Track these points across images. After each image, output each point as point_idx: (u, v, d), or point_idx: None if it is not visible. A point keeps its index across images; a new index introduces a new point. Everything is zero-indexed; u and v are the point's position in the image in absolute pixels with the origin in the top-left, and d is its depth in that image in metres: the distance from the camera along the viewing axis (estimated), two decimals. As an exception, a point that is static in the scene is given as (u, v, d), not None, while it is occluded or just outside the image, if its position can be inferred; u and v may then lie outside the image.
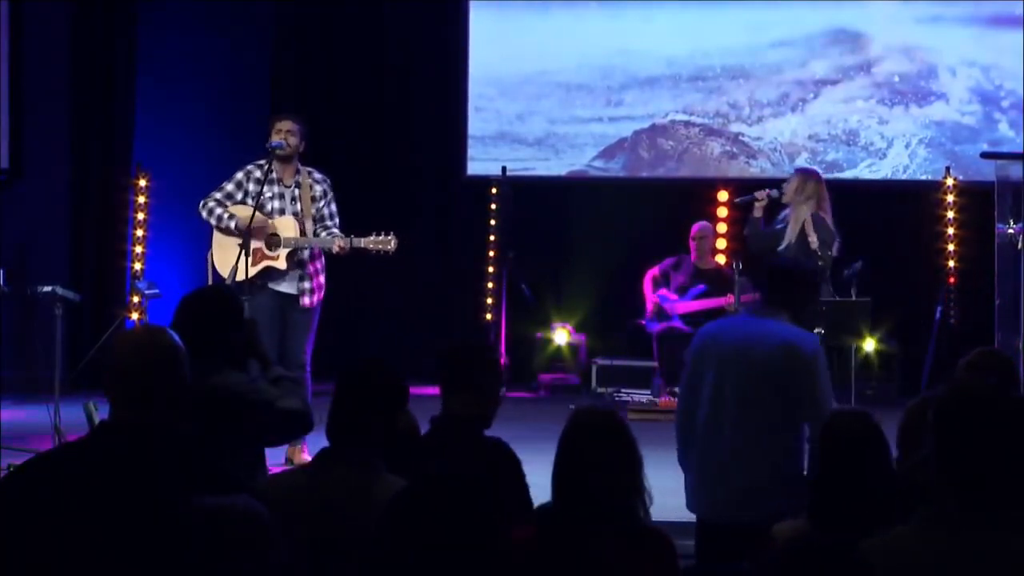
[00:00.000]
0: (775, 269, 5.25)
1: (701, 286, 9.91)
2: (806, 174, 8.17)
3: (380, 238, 7.40)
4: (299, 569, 2.95)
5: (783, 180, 8.34)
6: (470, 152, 11.54)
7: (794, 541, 2.93)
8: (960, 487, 2.77)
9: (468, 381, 4.28)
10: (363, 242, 7.38)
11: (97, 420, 5.93)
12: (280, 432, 4.59)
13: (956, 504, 2.77)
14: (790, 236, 7.92)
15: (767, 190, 8.20)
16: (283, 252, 7.34)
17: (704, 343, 5.01)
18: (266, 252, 7.35)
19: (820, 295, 5.44)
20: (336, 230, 7.48)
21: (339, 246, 7.32)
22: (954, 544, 2.73)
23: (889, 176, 11.06)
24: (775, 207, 8.19)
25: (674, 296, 9.95)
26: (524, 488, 4.15)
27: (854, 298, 8.21)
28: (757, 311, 5.03)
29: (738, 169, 11.34)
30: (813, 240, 7.75)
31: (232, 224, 7.31)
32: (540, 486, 3.72)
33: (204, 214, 7.46)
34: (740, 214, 10.96)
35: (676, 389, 9.36)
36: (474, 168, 11.50)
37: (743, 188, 11.12)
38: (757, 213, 8.18)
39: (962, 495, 2.77)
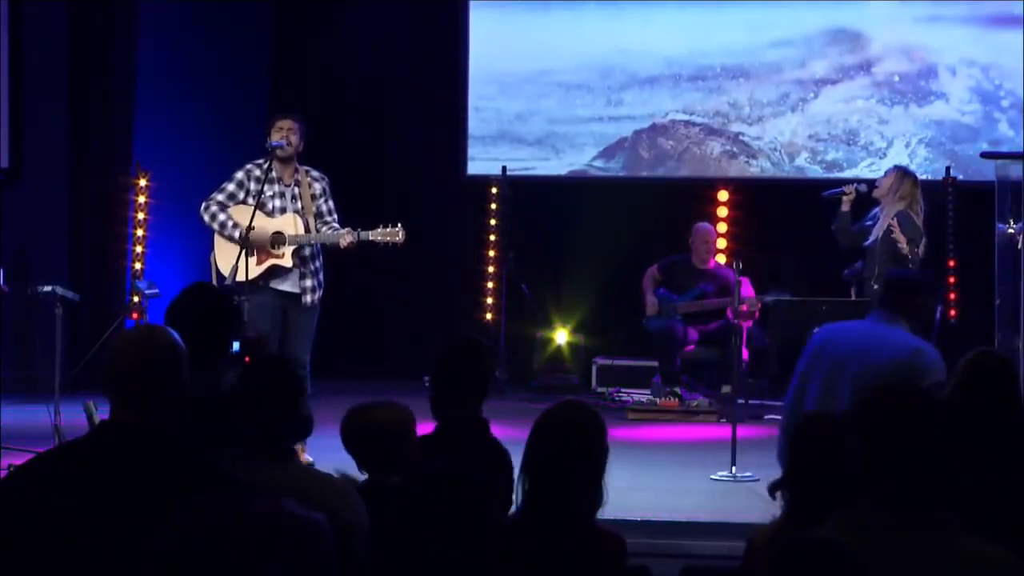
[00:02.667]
0: (888, 280, 5.57)
1: (701, 286, 9.91)
2: (904, 173, 8.15)
3: (388, 230, 7.38)
4: None
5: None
6: (470, 152, 11.54)
7: (784, 541, 2.93)
8: (877, 488, 2.77)
9: (470, 380, 4.30)
10: (371, 235, 7.37)
11: (97, 420, 5.93)
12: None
13: (870, 505, 2.77)
14: (877, 233, 7.91)
15: (855, 184, 8.23)
16: (288, 250, 7.34)
17: (819, 346, 5.15)
18: (271, 250, 7.35)
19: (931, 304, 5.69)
20: (337, 225, 7.47)
21: (348, 240, 7.31)
22: (867, 546, 2.71)
23: (889, 176, 11.05)
24: (862, 202, 8.19)
25: (675, 296, 9.95)
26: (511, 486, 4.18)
27: (854, 298, 8.21)
28: (879, 319, 5.18)
29: (738, 169, 11.34)
30: (902, 242, 7.75)
31: (235, 233, 7.28)
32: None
33: (207, 218, 7.42)
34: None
35: (677, 389, 9.44)
36: (474, 168, 11.50)
37: (743, 188, 11.16)
38: (845, 207, 8.19)
39: (877, 496, 2.77)
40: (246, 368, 3.80)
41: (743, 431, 7.29)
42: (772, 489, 3.55)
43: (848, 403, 4.96)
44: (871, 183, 8.25)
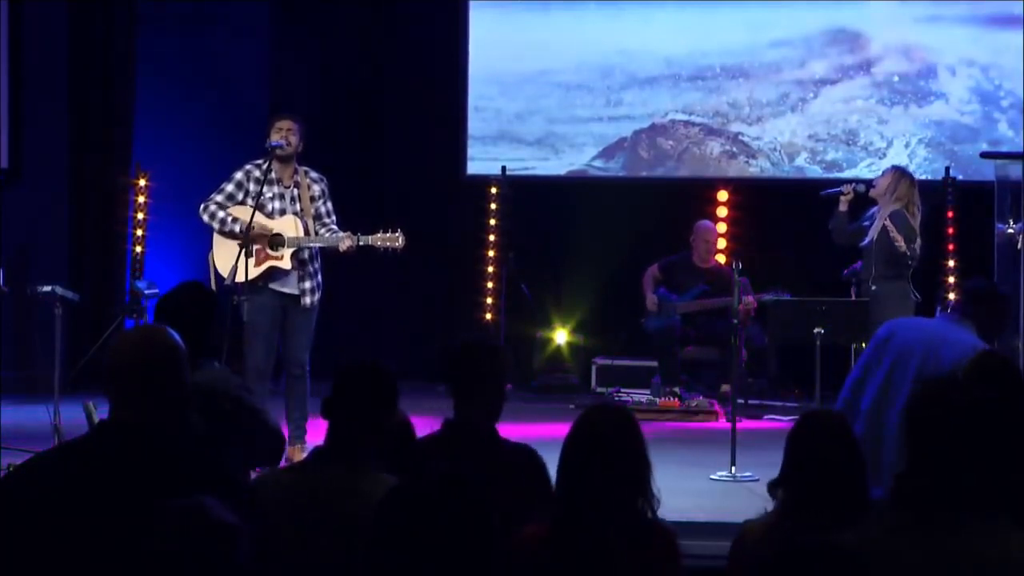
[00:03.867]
0: (971, 287, 5.94)
1: (701, 286, 9.91)
2: (901, 174, 8.16)
3: (388, 235, 7.39)
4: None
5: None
6: (470, 152, 11.54)
7: (785, 541, 2.93)
8: (922, 489, 2.77)
9: (482, 383, 4.27)
10: (371, 239, 7.37)
11: (97, 420, 5.92)
12: (264, 444, 4.51)
13: (917, 506, 2.77)
14: (873, 233, 7.94)
15: (853, 184, 8.24)
16: (287, 252, 7.33)
17: (887, 335, 5.37)
18: (270, 252, 7.34)
19: (1006, 316, 6.06)
20: (335, 227, 7.47)
21: (347, 244, 7.30)
22: (912, 546, 2.72)
23: (889, 176, 11.05)
24: (860, 201, 8.22)
25: (675, 296, 9.95)
26: (549, 489, 4.13)
27: (854, 298, 8.21)
28: (949, 318, 5.47)
29: (738, 169, 11.34)
30: (899, 240, 7.77)
31: (236, 227, 7.29)
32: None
33: (205, 218, 7.42)
34: (732, 210, 11.00)
35: (676, 389, 9.45)
36: (474, 168, 11.50)
37: (742, 188, 11.16)
38: (843, 207, 8.22)
39: (922, 497, 2.77)
40: (341, 374, 3.74)
41: (743, 431, 7.29)
42: (772, 488, 3.55)
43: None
44: (869, 183, 8.26)
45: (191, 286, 4.68)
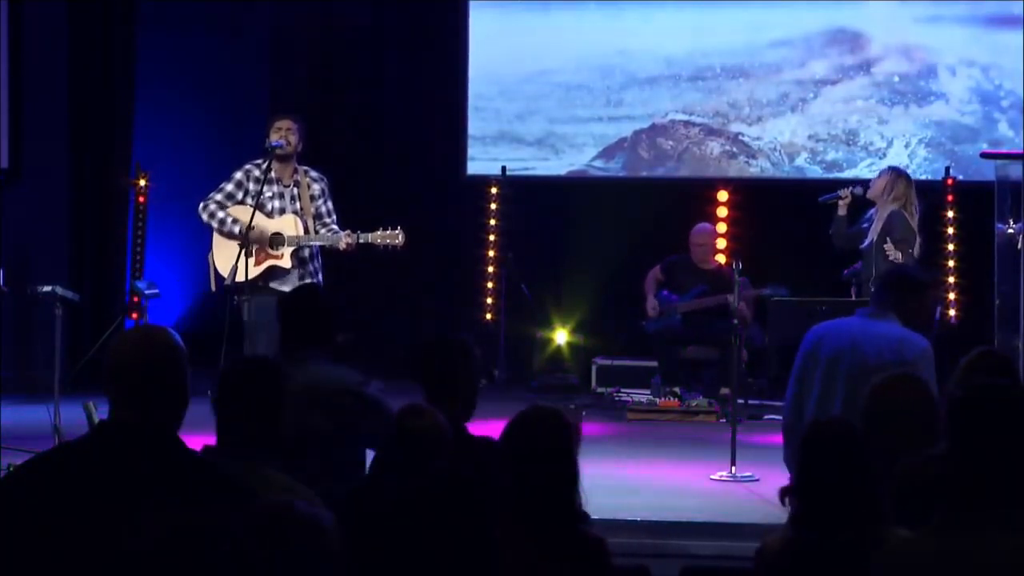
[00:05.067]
0: (885, 276, 5.69)
1: (702, 286, 9.90)
2: (897, 174, 8.16)
3: (387, 232, 7.39)
4: None
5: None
6: (470, 152, 11.54)
7: (794, 544, 2.93)
8: (977, 487, 2.78)
9: (454, 381, 4.30)
10: (371, 237, 7.38)
11: (97, 420, 5.92)
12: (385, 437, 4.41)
13: (973, 504, 2.77)
14: (872, 235, 7.94)
15: (850, 188, 8.26)
16: (287, 251, 7.34)
17: (813, 345, 5.19)
18: (270, 251, 7.35)
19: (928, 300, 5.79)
20: (335, 227, 7.47)
21: (346, 242, 7.31)
22: (974, 545, 2.73)
23: (889, 176, 11.04)
24: (858, 203, 8.22)
25: (675, 297, 9.94)
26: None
27: (854, 298, 8.21)
28: (868, 314, 5.21)
29: (738, 169, 11.34)
30: (889, 247, 7.78)
31: (236, 229, 7.29)
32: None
33: (205, 217, 7.43)
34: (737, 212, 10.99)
35: (676, 389, 9.44)
36: (474, 168, 11.50)
37: (743, 188, 11.16)
38: (842, 211, 8.23)
39: (979, 495, 2.77)
40: (224, 373, 3.66)
41: (742, 431, 7.29)
42: (783, 495, 3.55)
43: (843, 401, 5.01)
44: (866, 184, 8.27)
45: (313, 288, 4.70)
